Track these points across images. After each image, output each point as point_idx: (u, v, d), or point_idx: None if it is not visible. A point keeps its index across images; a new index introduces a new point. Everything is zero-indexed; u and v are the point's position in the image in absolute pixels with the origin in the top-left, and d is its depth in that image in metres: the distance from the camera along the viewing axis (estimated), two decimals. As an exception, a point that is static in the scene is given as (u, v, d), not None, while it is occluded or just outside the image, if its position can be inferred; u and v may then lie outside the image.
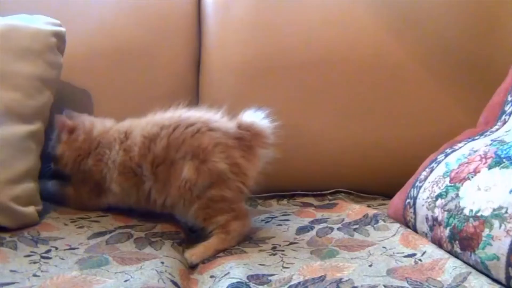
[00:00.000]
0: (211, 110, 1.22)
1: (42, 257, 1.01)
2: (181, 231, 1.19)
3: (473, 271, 0.91)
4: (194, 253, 1.09)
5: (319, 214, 1.31)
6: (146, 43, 1.55)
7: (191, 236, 1.23)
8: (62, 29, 1.36)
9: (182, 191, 1.13)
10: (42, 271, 0.94)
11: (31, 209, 1.18)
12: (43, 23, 1.34)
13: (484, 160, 1.03)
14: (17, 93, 1.23)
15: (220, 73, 1.54)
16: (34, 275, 0.92)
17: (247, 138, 1.17)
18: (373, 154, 1.49)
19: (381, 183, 1.47)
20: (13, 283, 0.89)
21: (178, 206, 1.16)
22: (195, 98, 1.56)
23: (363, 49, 1.53)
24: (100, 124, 1.29)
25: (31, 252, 1.03)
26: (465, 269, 0.92)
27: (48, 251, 1.04)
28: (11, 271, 0.94)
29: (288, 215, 1.32)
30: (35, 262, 0.98)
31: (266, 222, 1.27)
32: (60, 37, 1.35)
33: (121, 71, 1.52)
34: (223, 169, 1.13)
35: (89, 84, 1.50)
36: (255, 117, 1.17)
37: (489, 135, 1.15)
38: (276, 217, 1.31)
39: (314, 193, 1.48)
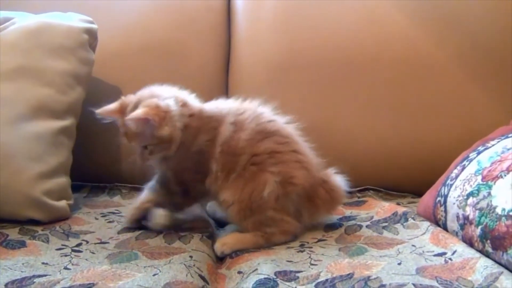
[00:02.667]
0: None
1: (73, 250, 1.03)
2: (210, 226, 1.20)
3: (505, 271, 0.89)
4: (226, 243, 1.09)
5: (347, 212, 1.30)
6: (177, 41, 1.56)
7: (219, 230, 1.24)
8: (94, 26, 1.38)
9: (253, 202, 1.10)
10: (73, 264, 0.96)
11: (62, 203, 1.20)
12: (75, 20, 1.36)
13: (517, 158, 1.02)
14: (50, 89, 1.25)
15: (249, 70, 1.55)
16: (65, 268, 0.94)
17: (320, 195, 1.16)
18: (403, 152, 1.47)
19: (410, 181, 1.46)
20: (45, 275, 0.91)
21: (233, 211, 1.12)
22: (225, 95, 1.56)
23: (395, 48, 1.52)
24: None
25: (63, 245, 1.05)
26: (496, 269, 0.90)
27: (79, 245, 1.06)
28: (43, 263, 0.96)
29: (317, 212, 1.31)
30: (66, 255, 1.00)
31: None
32: (92, 34, 1.37)
33: (151, 68, 1.53)
34: (290, 211, 1.12)
35: (120, 80, 1.51)
36: (343, 184, 1.19)
37: (523, 132, 1.13)
38: (305, 214, 1.30)
39: (343, 190, 1.47)
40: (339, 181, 1.18)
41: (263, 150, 1.11)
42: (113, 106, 1.13)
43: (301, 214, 1.14)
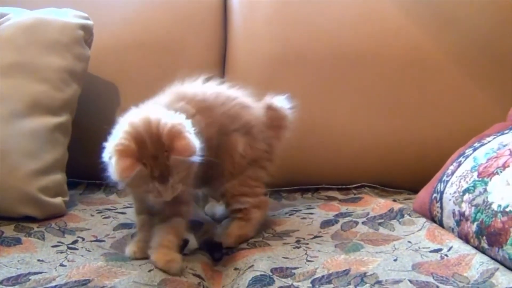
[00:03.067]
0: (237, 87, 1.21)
1: (69, 247, 1.03)
2: (204, 223, 1.20)
3: (501, 267, 0.89)
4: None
5: (343, 208, 1.30)
6: (173, 37, 1.56)
7: (217, 226, 1.25)
8: (90, 22, 1.38)
9: (234, 165, 1.13)
10: (68, 261, 0.96)
11: (58, 200, 1.20)
12: (71, 16, 1.36)
13: (513, 155, 1.02)
14: (45, 86, 1.25)
15: (246, 67, 1.55)
16: (61, 265, 0.94)
17: (275, 120, 1.20)
18: (399, 148, 1.47)
19: (406, 177, 1.46)
20: (40, 272, 0.91)
21: (219, 179, 1.13)
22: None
23: (392, 44, 1.52)
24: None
25: (58, 242, 1.05)
26: (492, 265, 0.90)
27: (75, 242, 1.05)
28: (39, 260, 0.96)
29: (313, 208, 1.31)
30: (61, 252, 1.00)
31: (290, 215, 1.26)
32: (87, 30, 1.36)
33: (147, 65, 1.53)
34: (263, 149, 1.16)
35: (116, 77, 1.51)
36: (282, 103, 1.21)
37: (519, 129, 1.13)
38: (300, 210, 1.30)
39: (339, 186, 1.48)
40: (279, 101, 1.22)
41: (219, 120, 1.10)
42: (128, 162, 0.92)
43: (273, 147, 1.18)
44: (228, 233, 1.13)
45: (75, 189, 1.40)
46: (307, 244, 1.07)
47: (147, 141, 0.92)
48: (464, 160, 1.14)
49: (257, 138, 1.15)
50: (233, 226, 1.14)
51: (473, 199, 1.02)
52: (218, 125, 1.10)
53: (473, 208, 1.02)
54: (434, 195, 1.16)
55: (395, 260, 0.96)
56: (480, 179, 1.04)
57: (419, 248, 1.01)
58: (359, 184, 1.46)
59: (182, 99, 1.08)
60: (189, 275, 0.92)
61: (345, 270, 0.93)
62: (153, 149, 0.91)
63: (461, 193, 1.06)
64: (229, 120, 1.12)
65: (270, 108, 1.20)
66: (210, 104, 1.11)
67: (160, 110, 1.00)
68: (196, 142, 0.93)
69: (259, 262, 0.96)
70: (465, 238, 1.03)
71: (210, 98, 1.12)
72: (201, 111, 1.07)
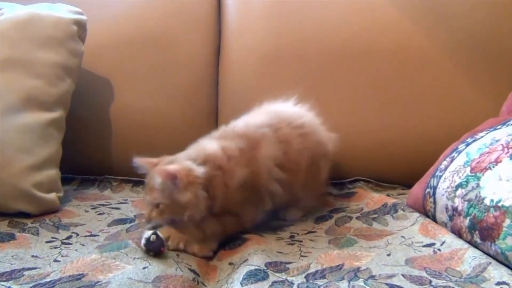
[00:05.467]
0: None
1: (63, 242, 1.03)
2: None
3: (493, 261, 0.90)
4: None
5: (338, 203, 1.30)
6: (167, 32, 1.56)
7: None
8: (83, 17, 1.38)
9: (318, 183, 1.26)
10: (62, 256, 0.96)
11: (52, 196, 1.20)
12: (64, 11, 1.35)
13: (506, 150, 1.02)
14: (39, 81, 1.25)
15: (240, 61, 1.55)
16: (55, 260, 0.94)
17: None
18: (392, 144, 1.48)
19: (400, 172, 1.46)
20: (34, 268, 0.91)
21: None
22: (215, 87, 1.56)
23: (385, 40, 1.52)
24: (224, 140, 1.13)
25: (52, 238, 1.05)
26: (484, 259, 0.91)
27: (69, 237, 1.06)
28: (33, 256, 0.96)
29: (307, 203, 1.31)
30: (56, 247, 1.00)
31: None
32: (81, 25, 1.36)
33: (141, 60, 1.53)
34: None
35: (110, 71, 1.51)
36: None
37: (511, 124, 1.13)
38: (295, 205, 1.30)
39: (333, 181, 1.48)
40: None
41: (310, 148, 1.20)
42: (152, 159, 1.10)
43: None
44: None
45: (69, 185, 1.40)
46: (301, 241, 1.08)
47: (164, 160, 1.09)
48: (457, 156, 1.14)
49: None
50: None
51: (466, 194, 1.03)
52: (310, 152, 1.20)
53: (465, 203, 1.02)
54: (427, 190, 1.16)
55: (388, 255, 0.97)
56: (473, 174, 1.04)
57: (412, 243, 1.02)
58: (353, 178, 1.47)
59: (280, 120, 1.18)
60: (185, 270, 0.92)
61: (338, 265, 0.93)
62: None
63: (454, 188, 1.07)
64: (319, 148, 1.23)
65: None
66: (306, 131, 1.20)
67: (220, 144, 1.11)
68: (182, 178, 1.01)
69: (254, 256, 0.97)
70: (458, 233, 1.03)
71: (306, 124, 1.22)
72: (297, 136, 1.18)
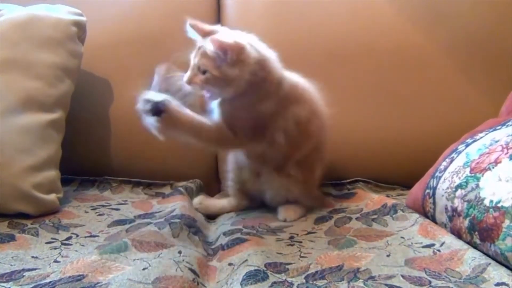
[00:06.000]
0: None
1: (62, 243, 1.03)
2: (197, 220, 1.20)
3: (493, 262, 0.90)
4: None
5: (337, 204, 1.30)
6: (167, 34, 1.56)
7: (210, 223, 1.26)
8: (83, 18, 1.38)
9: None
10: (62, 256, 0.96)
11: (52, 197, 1.20)
12: (64, 12, 1.36)
13: (505, 151, 1.02)
14: (38, 82, 1.25)
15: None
16: (55, 261, 0.94)
17: None
18: (392, 144, 1.48)
19: (400, 173, 1.47)
20: (34, 269, 0.91)
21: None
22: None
23: (385, 39, 1.52)
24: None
25: (52, 238, 1.05)
26: (484, 260, 0.91)
27: (68, 238, 1.06)
28: (33, 257, 0.96)
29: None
30: (55, 248, 1.00)
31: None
32: (80, 27, 1.36)
33: (141, 60, 1.52)
34: None
35: (109, 72, 1.51)
36: None
37: (511, 125, 1.13)
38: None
39: (333, 182, 1.48)
40: None
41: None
42: (206, 26, 1.15)
43: None
44: None
45: (69, 186, 1.40)
46: (301, 242, 1.07)
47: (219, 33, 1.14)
48: (457, 156, 1.14)
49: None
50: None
51: (466, 195, 1.03)
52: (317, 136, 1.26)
53: (465, 203, 1.02)
54: (427, 190, 1.16)
55: (388, 255, 0.97)
56: (473, 175, 1.05)
57: (411, 243, 1.02)
58: (353, 179, 1.47)
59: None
60: (185, 270, 0.92)
61: (338, 266, 0.93)
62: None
63: (454, 189, 1.07)
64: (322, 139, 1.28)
65: None
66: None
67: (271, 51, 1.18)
68: (234, 52, 1.08)
69: (253, 257, 0.97)
70: (457, 234, 1.03)
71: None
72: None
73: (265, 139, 1.17)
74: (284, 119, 1.17)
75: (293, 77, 1.21)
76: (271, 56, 1.16)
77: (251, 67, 1.10)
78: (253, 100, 1.13)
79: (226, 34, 1.12)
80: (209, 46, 1.07)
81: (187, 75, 1.12)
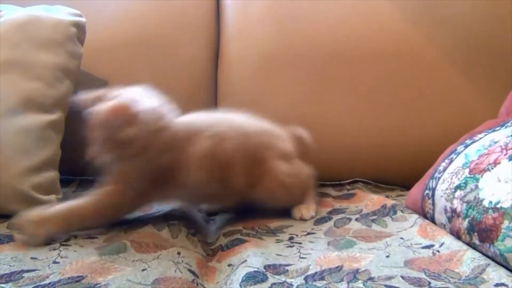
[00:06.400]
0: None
1: (61, 244, 1.02)
2: (196, 221, 1.20)
3: (492, 263, 0.90)
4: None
5: (337, 205, 1.31)
6: (166, 35, 1.56)
7: (210, 222, 1.26)
8: (82, 19, 1.38)
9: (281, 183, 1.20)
10: (61, 257, 0.95)
11: (51, 198, 1.20)
12: (63, 13, 1.35)
13: (504, 152, 1.02)
14: (38, 83, 1.25)
15: (239, 64, 1.55)
16: (54, 262, 0.94)
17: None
18: (391, 145, 1.48)
19: (399, 174, 1.47)
20: (34, 270, 0.91)
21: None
22: (213, 90, 1.56)
23: (384, 41, 1.53)
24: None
25: (51, 240, 1.05)
26: (483, 261, 0.91)
27: (67, 239, 1.05)
28: (32, 258, 0.95)
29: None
30: (54, 249, 0.99)
31: (284, 212, 1.27)
32: (80, 27, 1.36)
33: (140, 62, 1.53)
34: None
35: (109, 74, 1.51)
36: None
37: (510, 126, 1.13)
38: (294, 206, 1.31)
39: (333, 182, 1.48)
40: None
41: (253, 148, 1.18)
42: (93, 94, 1.11)
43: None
44: None
45: (68, 187, 1.40)
46: (300, 243, 1.07)
47: (107, 97, 1.09)
48: (456, 157, 1.14)
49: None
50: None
51: (465, 196, 1.03)
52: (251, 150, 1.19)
53: (464, 204, 1.02)
54: (426, 191, 1.16)
55: (387, 256, 0.97)
56: (472, 175, 1.05)
57: (411, 244, 1.02)
58: (352, 180, 1.47)
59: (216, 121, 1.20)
60: (184, 271, 0.92)
61: (337, 267, 0.93)
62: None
63: (453, 190, 1.07)
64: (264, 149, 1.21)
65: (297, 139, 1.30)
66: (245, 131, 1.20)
67: (157, 101, 1.13)
68: (124, 113, 1.04)
69: (253, 258, 0.97)
70: (456, 234, 1.03)
71: (246, 124, 1.22)
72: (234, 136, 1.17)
73: (171, 185, 1.13)
74: (188, 161, 1.13)
75: (189, 118, 1.19)
76: (159, 105, 1.13)
77: (142, 124, 1.06)
78: (150, 154, 1.09)
79: (111, 98, 1.08)
80: (98, 115, 1.04)
81: (91, 152, 1.08)
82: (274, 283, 0.88)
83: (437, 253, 0.97)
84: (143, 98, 1.10)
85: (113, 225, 1.14)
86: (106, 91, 1.11)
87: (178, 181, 1.13)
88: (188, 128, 1.15)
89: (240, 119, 1.22)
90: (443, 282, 0.86)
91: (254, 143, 1.19)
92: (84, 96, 1.10)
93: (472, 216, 0.99)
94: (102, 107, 1.04)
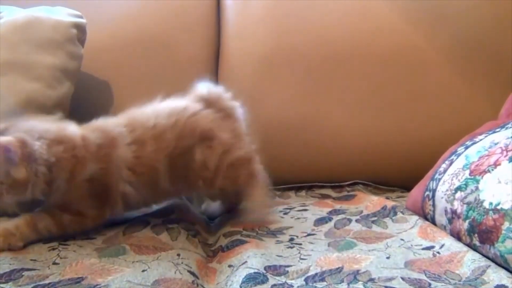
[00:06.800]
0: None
1: (60, 244, 1.02)
2: (196, 223, 1.20)
3: (492, 264, 0.90)
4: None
5: (337, 206, 1.30)
6: (166, 34, 1.56)
7: (210, 223, 1.25)
8: (83, 20, 1.38)
9: (200, 172, 1.13)
10: (61, 258, 0.95)
11: (51, 198, 1.19)
12: (64, 14, 1.36)
13: (505, 153, 1.02)
14: (38, 84, 1.25)
15: (239, 64, 1.55)
16: (54, 263, 0.93)
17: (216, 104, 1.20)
18: (391, 146, 1.48)
19: (399, 175, 1.47)
20: (33, 269, 0.91)
21: (198, 187, 1.16)
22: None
23: (384, 43, 1.53)
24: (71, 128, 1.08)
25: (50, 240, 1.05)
26: (484, 262, 0.91)
27: (66, 239, 1.05)
28: (31, 260, 0.95)
29: (306, 206, 1.32)
30: (54, 249, 0.99)
31: (284, 214, 1.27)
32: (80, 28, 1.36)
33: (141, 62, 1.53)
34: (226, 138, 1.15)
35: (109, 74, 1.51)
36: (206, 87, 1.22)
37: (510, 127, 1.13)
38: (294, 207, 1.31)
39: (332, 184, 1.48)
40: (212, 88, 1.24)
41: (173, 141, 1.12)
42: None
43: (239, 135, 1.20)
44: None
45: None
46: (301, 244, 1.07)
47: None
48: (456, 158, 1.14)
49: (213, 138, 1.14)
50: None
51: (465, 197, 1.03)
52: (171, 147, 1.11)
53: (465, 206, 1.02)
54: (427, 193, 1.16)
55: (387, 257, 0.97)
56: (472, 177, 1.05)
57: (411, 245, 1.02)
58: (352, 181, 1.47)
59: (132, 125, 1.11)
60: (184, 272, 0.92)
61: (338, 268, 0.93)
62: None
63: (453, 191, 1.07)
64: (184, 139, 1.13)
65: (212, 103, 1.19)
66: (161, 129, 1.12)
67: (55, 125, 1.05)
68: (17, 150, 0.95)
69: (253, 259, 0.96)
70: (457, 236, 1.03)
71: (161, 122, 1.12)
72: (152, 138, 1.10)
73: (113, 197, 1.09)
74: (120, 168, 1.08)
75: (98, 125, 1.11)
76: (63, 128, 1.06)
77: (40, 160, 0.98)
78: (69, 177, 1.02)
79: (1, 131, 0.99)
80: None
81: None
82: (275, 284, 0.87)
83: (438, 254, 0.97)
84: (37, 128, 1.02)
85: (112, 225, 1.14)
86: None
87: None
88: (103, 138, 1.08)
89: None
90: (443, 284, 0.86)
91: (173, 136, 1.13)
92: None
93: (472, 217, 0.99)
94: None
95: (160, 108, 1.16)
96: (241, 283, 0.87)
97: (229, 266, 0.98)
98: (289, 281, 0.89)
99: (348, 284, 0.87)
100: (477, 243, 0.97)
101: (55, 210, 1.04)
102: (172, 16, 1.58)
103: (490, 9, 1.53)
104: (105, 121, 1.12)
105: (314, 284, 0.88)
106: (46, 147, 0.99)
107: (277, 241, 1.09)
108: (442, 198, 1.10)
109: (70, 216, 1.05)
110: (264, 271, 0.92)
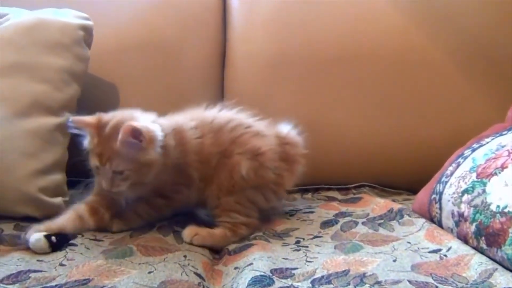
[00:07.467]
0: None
1: (67, 245, 1.02)
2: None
3: (499, 267, 0.90)
4: (198, 233, 1.09)
5: (343, 208, 1.30)
6: (173, 38, 1.56)
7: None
8: (90, 22, 1.38)
9: (234, 184, 1.14)
10: (68, 259, 0.96)
11: (58, 200, 1.20)
12: (71, 16, 1.36)
13: (512, 156, 1.02)
14: (45, 86, 1.25)
15: (245, 67, 1.55)
16: (61, 264, 0.94)
17: (290, 154, 1.23)
18: (398, 149, 1.48)
19: (406, 178, 1.46)
20: (40, 271, 0.91)
21: (215, 193, 1.16)
22: (220, 92, 1.56)
23: (389, 44, 1.52)
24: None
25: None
26: (491, 265, 0.91)
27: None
28: (38, 260, 0.96)
29: (313, 208, 1.31)
30: (60, 250, 1.00)
31: (290, 216, 1.27)
32: (87, 31, 1.37)
33: (147, 65, 1.53)
34: (270, 178, 1.17)
35: (116, 77, 1.51)
36: (289, 129, 1.26)
37: (517, 130, 1.13)
38: (301, 210, 1.31)
39: (339, 187, 1.48)
40: (294, 134, 1.26)
41: (224, 143, 1.15)
42: (90, 118, 1.08)
43: (283, 179, 1.21)
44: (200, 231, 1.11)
45: (75, 189, 1.40)
46: (307, 246, 1.07)
47: (109, 123, 1.06)
48: (463, 161, 1.14)
49: (265, 165, 1.16)
50: (216, 229, 1.13)
51: (472, 200, 1.03)
52: (222, 147, 1.15)
53: (472, 208, 1.02)
54: (433, 195, 1.16)
55: (394, 260, 0.97)
56: (479, 180, 1.04)
57: (418, 248, 1.02)
58: (358, 184, 1.47)
59: (193, 120, 1.17)
60: (190, 274, 0.92)
61: (344, 271, 0.93)
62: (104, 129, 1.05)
63: (460, 194, 1.07)
64: (234, 145, 1.15)
65: (285, 141, 1.23)
66: (218, 128, 1.16)
67: (148, 115, 1.12)
68: (146, 136, 1.02)
69: (259, 261, 0.96)
70: (464, 239, 1.03)
71: (220, 122, 1.17)
72: (208, 132, 1.15)
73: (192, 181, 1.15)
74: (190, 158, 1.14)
75: (174, 122, 1.16)
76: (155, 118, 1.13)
77: (159, 141, 1.06)
78: (164, 162, 1.08)
79: (124, 119, 1.06)
80: (118, 144, 1.02)
81: (105, 184, 1.07)
82: (281, 287, 0.87)
83: (445, 257, 0.97)
84: (139, 116, 1.11)
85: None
86: (101, 115, 1.10)
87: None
88: (175, 124, 1.15)
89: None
90: (450, 287, 0.86)
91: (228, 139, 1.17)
92: (81, 119, 1.09)
93: (479, 220, 0.99)
94: (127, 127, 1.02)
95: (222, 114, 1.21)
96: (247, 286, 0.87)
97: (236, 268, 0.98)
98: (295, 284, 0.89)
99: (355, 286, 0.87)
100: (484, 246, 0.96)
101: (149, 196, 1.13)
102: (178, 19, 1.58)
103: (495, 11, 1.52)
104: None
105: (321, 287, 0.88)
106: (163, 133, 1.07)
107: (284, 243, 1.09)
108: (449, 201, 1.10)
109: (163, 200, 1.14)
110: (270, 274, 0.92)
